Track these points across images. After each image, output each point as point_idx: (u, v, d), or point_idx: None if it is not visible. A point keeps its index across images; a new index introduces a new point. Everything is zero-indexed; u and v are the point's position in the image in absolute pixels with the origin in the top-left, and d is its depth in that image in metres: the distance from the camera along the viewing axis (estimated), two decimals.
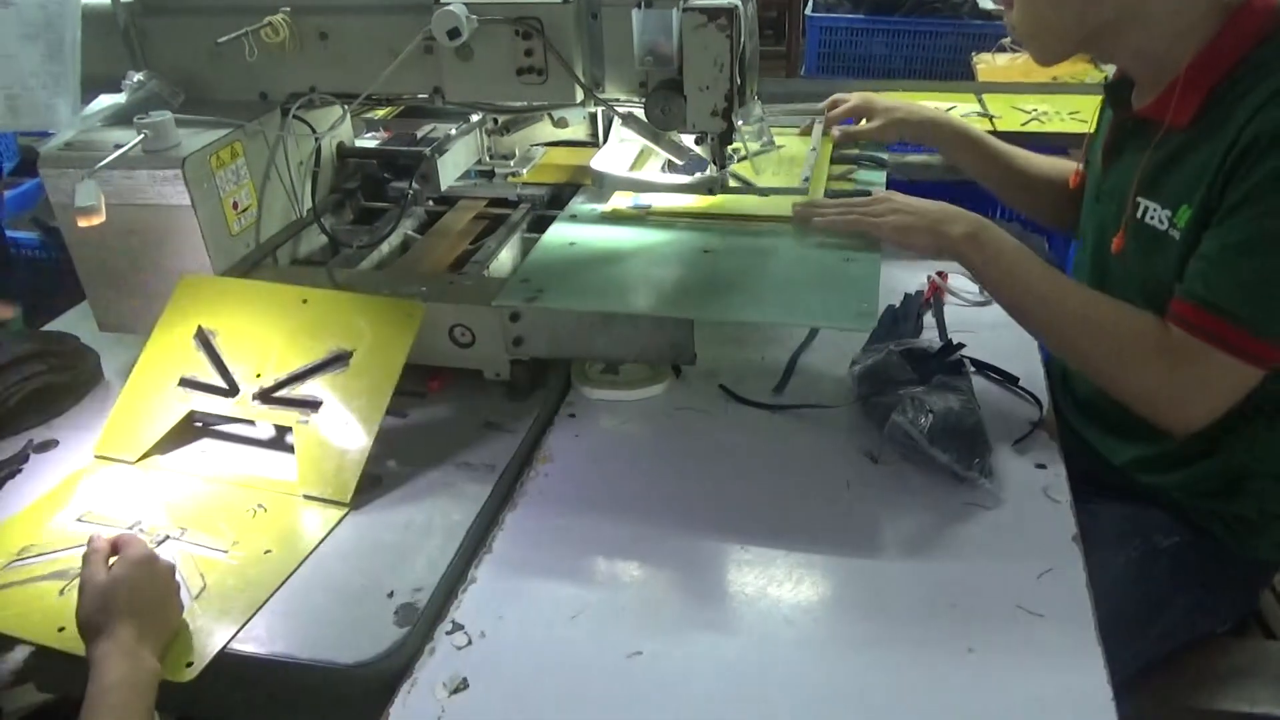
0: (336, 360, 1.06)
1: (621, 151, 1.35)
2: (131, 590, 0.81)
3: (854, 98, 1.42)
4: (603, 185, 1.27)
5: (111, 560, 0.84)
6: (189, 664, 0.82)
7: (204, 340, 1.10)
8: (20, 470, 1.08)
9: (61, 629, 0.84)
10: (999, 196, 1.41)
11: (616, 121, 1.35)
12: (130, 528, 0.96)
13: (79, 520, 0.98)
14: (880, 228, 1.11)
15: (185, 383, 1.09)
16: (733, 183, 1.26)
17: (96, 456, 1.07)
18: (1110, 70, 1.13)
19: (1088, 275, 1.18)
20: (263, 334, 1.09)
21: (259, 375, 1.07)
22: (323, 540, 0.95)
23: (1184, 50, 0.98)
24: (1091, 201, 1.17)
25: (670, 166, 1.30)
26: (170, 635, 0.83)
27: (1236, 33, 0.95)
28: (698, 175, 1.24)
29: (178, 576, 0.87)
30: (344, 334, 1.07)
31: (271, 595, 0.89)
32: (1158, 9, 0.98)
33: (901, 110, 1.37)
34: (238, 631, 0.85)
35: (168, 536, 0.95)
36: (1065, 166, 1.35)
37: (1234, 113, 0.93)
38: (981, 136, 1.37)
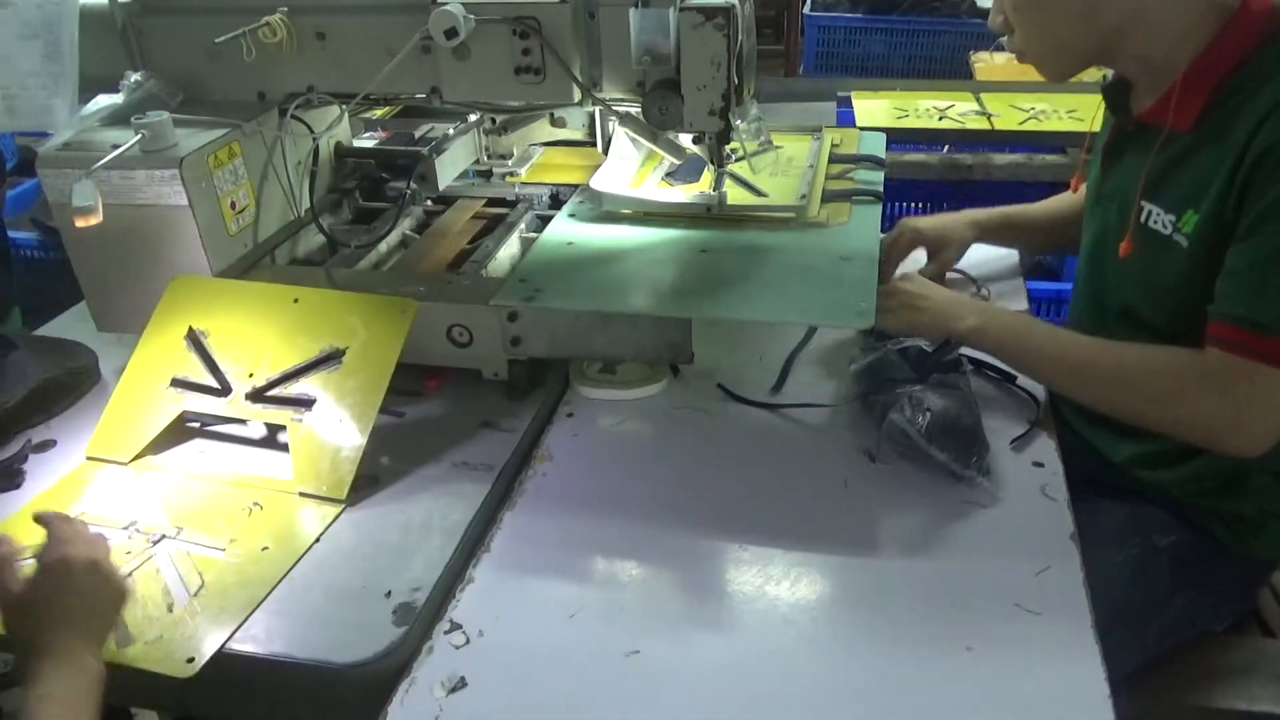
0: (329, 358, 1.06)
1: (620, 169, 1.35)
2: (55, 596, 0.76)
3: (903, 238, 1.34)
4: (602, 205, 1.28)
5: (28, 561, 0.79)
6: (190, 660, 0.82)
7: (195, 341, 1.10)
8: (21, 469, 1.08)
9: None
10: (1034, 252, 1.43)
11: (615, 137, 1.36)
12: (126, 527, 0.96)
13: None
14: (887, 322, 1.12)
15: (177, 383, 1.09)
16: (730, 183, 1.26)
17: (89, 458, 1.07)
18: (1108, 70, 1.13)
19: (1084, 276, 1.18)
20: (255, 333, 1.09)
21: (251, 375, 1.07)
22: (320, 536, 0.96)
23: (1183, 54, 0.98)
24: (1091, 204, 1.17)
25: (669, 174, 1.30)
26: (110, 625, 0.79)
27: (1235, 35, 0.95)
28: (696, 195, 1.25)
29: (128, 569, 0.83)
30: (336, 332, 1.07)
31: (270, 592, 0.89)
32: (1157, 13, 0.98)
33: (954, 229, 1.35)
34: (238, 628, 0.85)
35: (164, 535, 0.95)
36: (1072, 201, 1.36)
37: (1238, 118, 0.93)
38: (1013, 212, 1.38)
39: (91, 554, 0.81)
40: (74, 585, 0.78)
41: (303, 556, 0.93)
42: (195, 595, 0.88)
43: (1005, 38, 1.08)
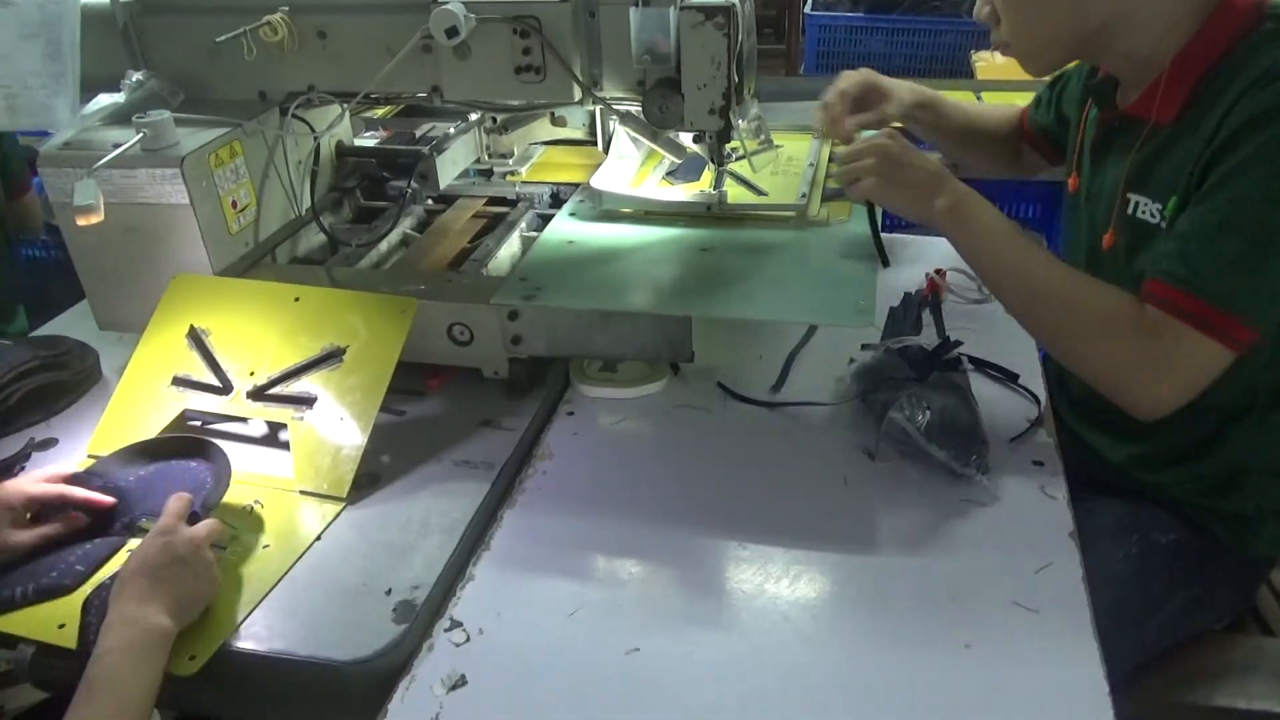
0: (330, 357, 1.06)
1: (621, 168, 1.35)
2: (142, 558, 0.83)
3: (855, 77, 1.30)
4: (602, 203, 1.28)
5: None
6: (192, 657, 0.82)
7: (196, 339, 1.10)
8: (22, 469, 1.09)
9: (62, 626, 0.84)
10: (955, 157, 1.44)
11: (616, 136, 1.36)
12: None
13: None
14: (860, 189, 1.09)
15: (178, 382, 1.09)
16: (730, 181, 1.27)
17: (90, 456, 1.07)
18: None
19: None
20: (256, 332, 1.09)
21: (252, 373, 1.07)
22: (321, 534, 0.96)
23: (1169, 49, 0.98)
24: (1082, 201, 1.17)
25: (669, 173, 1.30)
26: (188, 595, 0.83)
27: (1217, 29, 0.96)
28: (697, 194, 1.25)
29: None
30: (337, 331, 1.07)
31: (271, 590, 0.89)
32: (1145, 10, 0.98)
33: (901, 86, 1.33)
34: (239, 625, 0.85)
35: None
36: (1010, 112, 1.39)
37: (1215, 105, 0.94)
38: (939, 98, 1.39)
39: (190, 537, 0.86)
40: (164, 551, 0.83)
41: (303, 554, 0.93)
42: None
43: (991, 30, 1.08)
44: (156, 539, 0.85)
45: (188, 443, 1.03)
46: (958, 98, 1.43)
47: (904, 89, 1.34)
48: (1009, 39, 1.05)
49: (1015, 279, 1.02)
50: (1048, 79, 1.32)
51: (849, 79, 1.28)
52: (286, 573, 0.91)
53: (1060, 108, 1.29)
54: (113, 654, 0.76)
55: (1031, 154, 1.38)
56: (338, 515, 0.98)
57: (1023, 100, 1.40)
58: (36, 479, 0.96)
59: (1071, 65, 1.27)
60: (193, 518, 0.90)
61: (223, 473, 0.98)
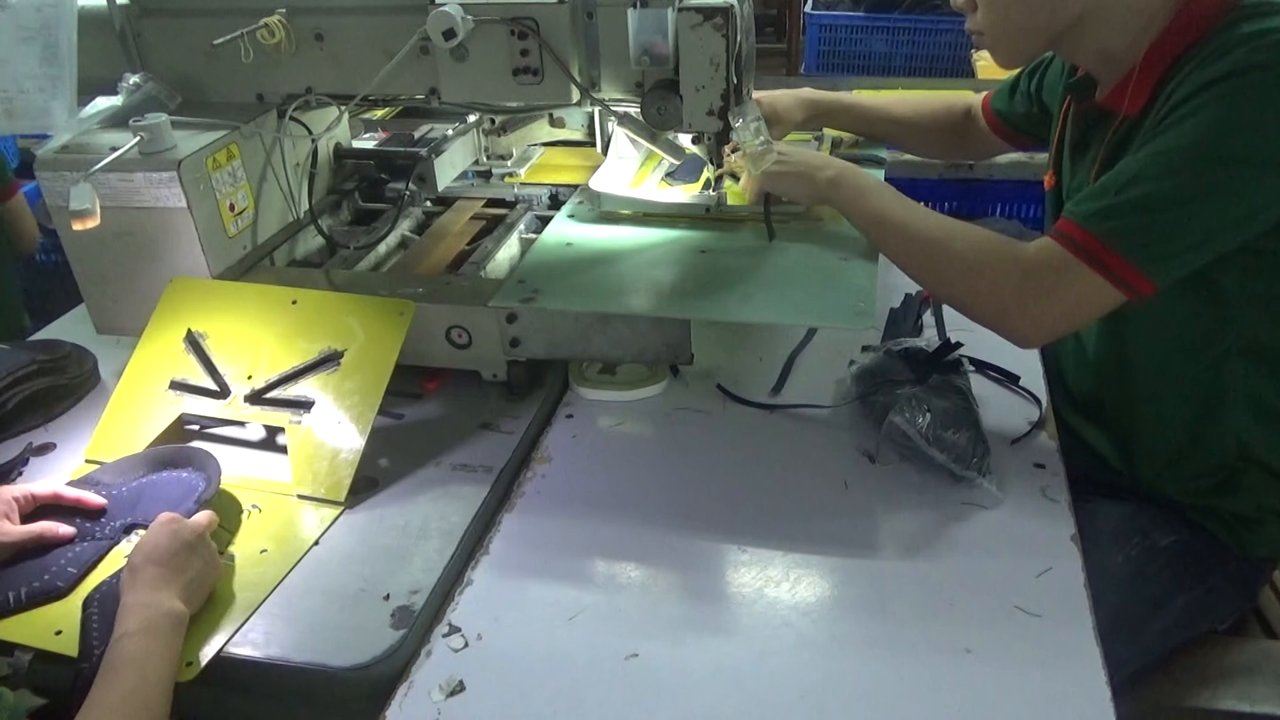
0: (328, 360, 1.06)
1: (620, 169, 1.35)
2: (151, 546, 0.84)
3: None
4: (601, 205, 1.27)
5: None
6: (189, 663, 0.82)
7: (194, 343, 1.10)
8: (20, 473, 1.08)
9: (59, 632, 0.84)
10: (896, 145, 1.52)
11: (615, 137, 1.35)
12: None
13: None
14: (759, 181, 1.17)
15: (176, 385, 1.09)
16: (729, 183, 1.26)
17: (87, 460, 1.07)
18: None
19: None
20: (253, 335, 1.09)
21: (250, 377, 1.07)
22: (319, 539, 0.95)
23: (1141, 44, 0.99)
24: (1063, 197, 1.17)
25: (668, 174, 1.30)
26: (197, 579, 0.85)
27: (1185, 24, 0.96)
28: (696, 195, 1.24)
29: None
30: (335, 334, 1.07)
31: (269, 595, 0.89)
32: (1117, 5, 0.99)
33: (784, 105, 1.38)
34: (236, 631, 0.85)
35: None
36: (950, 100, 1.45)
37: (1172, 95, 0.94)
38: (852, 102, 1.43)
39: (193, 525, 0.89)
40: (169, 538, 0.86)
41: (301, 559, 0.93)
42: None
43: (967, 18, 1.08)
44: (163, 528, 0.87)
45: (176, 454, 1.03)
46: (954, 94, 1.44)
47: (792, 109, 1.39)
48: (983, 28, 1.05)
49: (896, 230, 1.07)
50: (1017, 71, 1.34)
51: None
52: (284, 578, 0.91)
53: (1042, 99, 1.29)
54: (132, 637, 0.77)
55: (987, 138, 1.41)
56: (335, 519, 0.98)
57: None
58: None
59: (1048, 55, 1.27)
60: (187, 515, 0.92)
61: (214, 475, 0.99)
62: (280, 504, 1.00)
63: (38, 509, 0.95)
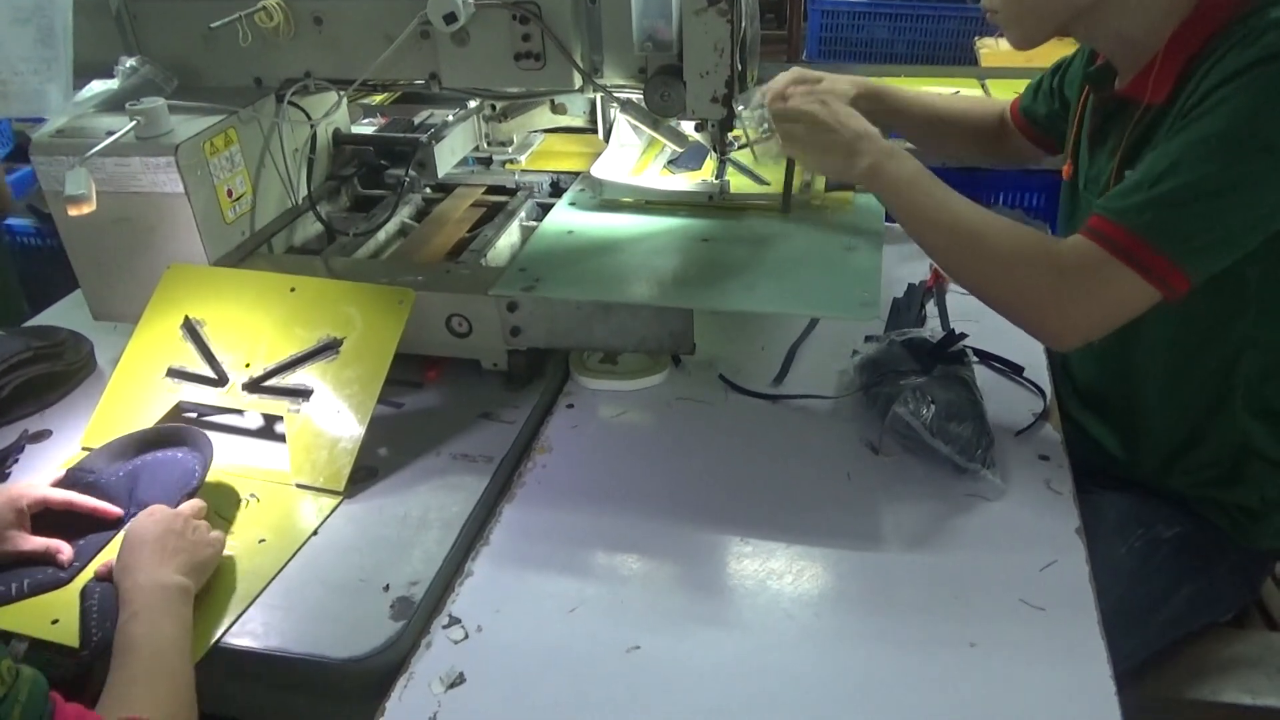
0: (327, 348, 1.05)
1: (622, 156, 1.34)
2: (139, 532, 0.85)
3: (787, 76, 1.25)
4: (602, 193, 1.26)
5: None
6: None
7: (191, 330, 1.09)
8: (16, 460, 1.07)
9: (55, 621, 0.84)
10: (918, 143, 1.44)
11: (617, 124, 1.34)
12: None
13: None
14: (784, 149, 1.13)
15: (173, 373, 1.08)
16: (732, 170, 1.25)
17: (84, 448, 1.06)
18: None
19: None
20: (252, 323, 1.08)
21: (248, 365, 1.06)
22: (317, 529, 0.95)
23: (1162, 31, 0.97)
24: (1080, 188, 1.16)
25: (671, 162, 1.29)
26: (193, 557, 0.85)
27: (1209, 9, 0.95)
28: (698, 183, 1.23)
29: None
30: (334, 322, 1.06)
31: (267, 585, 0.88)
32: None
33: (838, 84, 1.30)
34: (234, 622, 0.84)
35: None
36: (990, 104, 1.41)
37: (1199, 84, 0.93)
38: (891, 92, 1.38)
39: (180, 516, 0.89)
40: (162, 521, 0.86)
41: (300, 549, 0.92)
42: None
43: None
44: (145, 518, 0.87)
45: (171, 433, 1.02)
46: (963, 87, 1.42)
47: (842, 81, 1.32)
48: (998, 5, 1.04)
49: (933, 223, 1.03)
50: (1048, 66, 1.31)
51: (781, 79, 1.25)
52: (282, 568, 0.90)
53: (1064, 93, 1.28)
54: (140, 616, 0.77)
55: (1020, 142, 1.37)
56: (334, 509, 0.97)
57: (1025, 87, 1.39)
58: (46, 484, 0.95)
59: (1073, 51, 1.25)
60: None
61: (207, 453, 0.98)
62: (279, 493, 0.99)
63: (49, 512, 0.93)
